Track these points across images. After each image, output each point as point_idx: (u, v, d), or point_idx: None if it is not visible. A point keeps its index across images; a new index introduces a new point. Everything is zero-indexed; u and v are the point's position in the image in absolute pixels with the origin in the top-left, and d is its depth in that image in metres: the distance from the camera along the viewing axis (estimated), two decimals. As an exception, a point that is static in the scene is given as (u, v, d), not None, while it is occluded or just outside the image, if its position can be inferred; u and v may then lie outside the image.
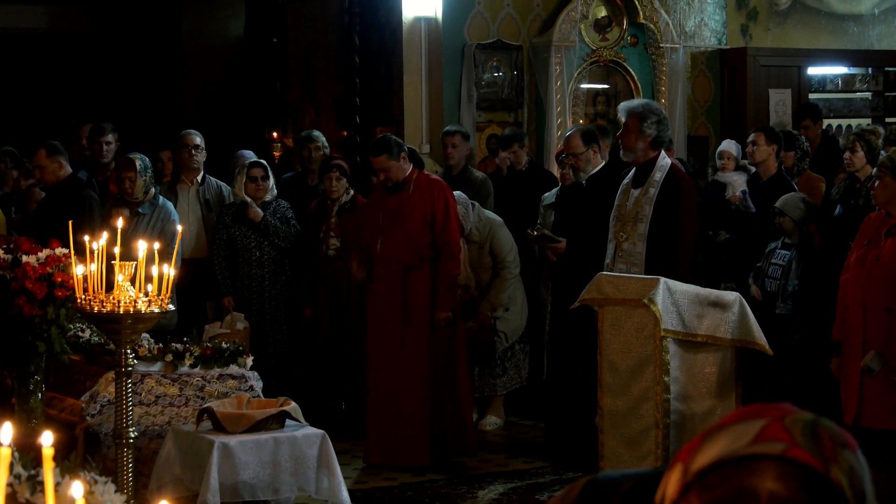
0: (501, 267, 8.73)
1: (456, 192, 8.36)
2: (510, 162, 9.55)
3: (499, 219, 8.79)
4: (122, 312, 4.94)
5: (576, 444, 7.56)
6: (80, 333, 6.61)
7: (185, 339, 6.82)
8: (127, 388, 5.21)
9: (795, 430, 1.35)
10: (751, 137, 8.77)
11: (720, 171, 9.71)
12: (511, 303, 8.82)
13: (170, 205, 8.60)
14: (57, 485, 3.21)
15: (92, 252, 5.00)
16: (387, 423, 7.70)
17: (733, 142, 9.96)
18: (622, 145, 7.21)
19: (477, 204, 8.75)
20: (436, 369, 7.70)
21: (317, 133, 9.88)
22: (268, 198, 8.82)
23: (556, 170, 9.50)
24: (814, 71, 12.36)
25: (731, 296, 6.65)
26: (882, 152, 8.01)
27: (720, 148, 10.00)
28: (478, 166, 10.28)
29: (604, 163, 7.98)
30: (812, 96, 12.10)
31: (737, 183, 9.36)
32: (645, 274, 6.88)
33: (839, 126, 12.21)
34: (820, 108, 10.88)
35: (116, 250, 4.98)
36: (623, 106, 7.43)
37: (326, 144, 9.74)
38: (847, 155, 8.28)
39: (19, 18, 13.88)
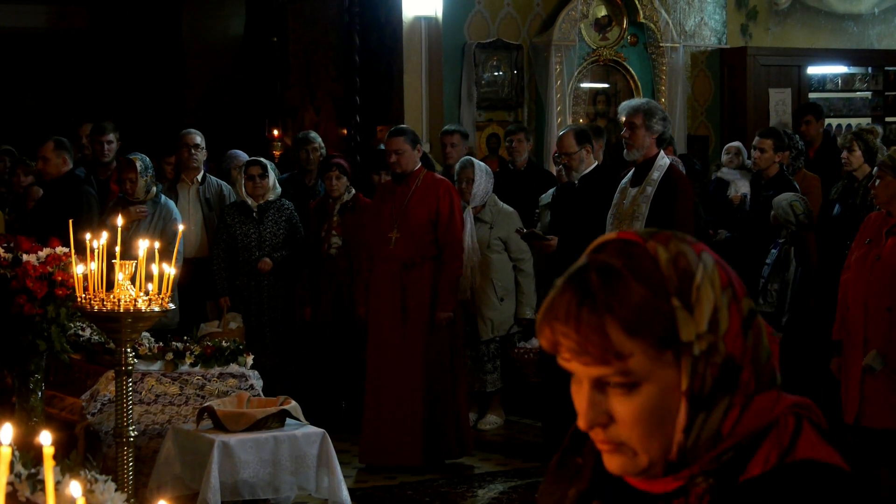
0: (517, 260, 8.74)
1: (479, 161, 8.79)
2: (510, 157, 9.67)
3: (515, 211, 8.82)
4: (122, 311, 4.94)
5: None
6: (80, 332, 6.60)
7: (185, 337, 6.82)
8: (127, 387, 5.21)
9: (649, 231, 1.62)
10: (756, 141, 8.71)
11: (724, 167, 9.75)
12: (506, 294, 8.77)
13: (172, 203, 8.57)
14: (57, 483, 3.21)
15: (92, 251, 5.00)
16: (382, 422, 7.70)
17: (739, 142, 10.04)
18: (628, 144, 7.18)
19: (495, 196, 8.80)
20: (433, 368, 7.69)
21: (313, 134, 9.85)
22: (271, 197, 8.78)
23: (554, 170, 9.52)
24: (814, 70, 12.37)
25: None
26: (883, 150, 7.99)
27: (729, 143, 10.07)
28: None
29: (597, 163, 7.96)
30: (812, 96, 12.11)
31: (740, 182, 9.38)
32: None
33: (839, 126, 12.21)
34: (822, 108, 10.89)
35: (117, 249, 4.98)
36: (625, 105, 7.42)
37: (322, 145, 9.72)
38: (844, 154, 8.27)
39: (19, 18, 13.89)
